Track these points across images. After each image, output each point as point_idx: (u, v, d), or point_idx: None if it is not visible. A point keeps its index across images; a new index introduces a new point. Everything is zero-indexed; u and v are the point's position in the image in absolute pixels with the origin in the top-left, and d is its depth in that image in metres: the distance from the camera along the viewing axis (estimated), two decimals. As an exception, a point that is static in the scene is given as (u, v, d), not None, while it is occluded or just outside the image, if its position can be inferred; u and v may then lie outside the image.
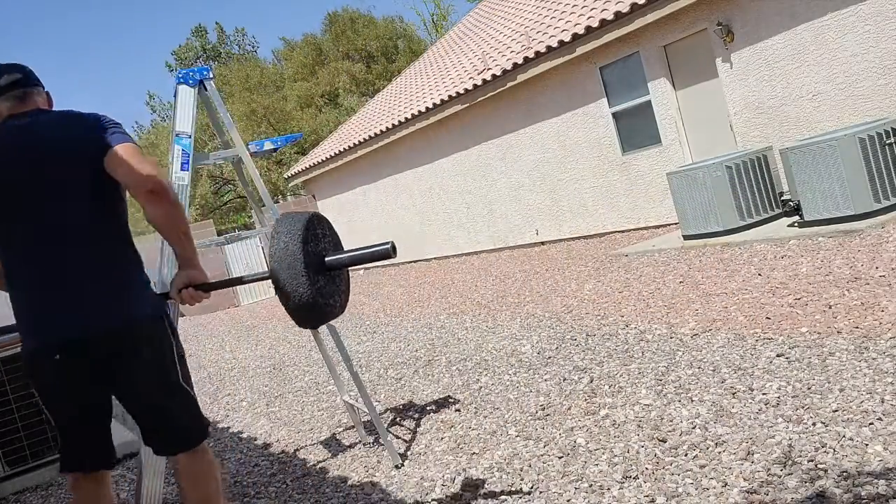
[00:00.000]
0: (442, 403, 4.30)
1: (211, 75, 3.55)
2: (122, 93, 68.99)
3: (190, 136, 3.39)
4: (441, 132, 12.76)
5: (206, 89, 3.53)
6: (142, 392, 2.27)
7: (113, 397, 2.34)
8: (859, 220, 6.05)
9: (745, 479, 2.47)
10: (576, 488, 2.74)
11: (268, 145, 3.86)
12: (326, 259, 2.41)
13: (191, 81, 3.46)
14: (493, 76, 10.70)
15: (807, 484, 2.34)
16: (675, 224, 8.77)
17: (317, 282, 2.32)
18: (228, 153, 3.61)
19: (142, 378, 2.25)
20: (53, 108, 2.49)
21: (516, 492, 2.85)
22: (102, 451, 2.35)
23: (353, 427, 4.27)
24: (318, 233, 2.42)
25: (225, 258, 16.24)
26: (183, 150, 3.33)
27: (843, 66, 7.17)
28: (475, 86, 11.11)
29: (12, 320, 2.38)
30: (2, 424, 4.38)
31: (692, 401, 3.28)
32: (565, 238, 10.90)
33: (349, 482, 3.44)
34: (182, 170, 3.31)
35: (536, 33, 10.77)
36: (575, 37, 9.27)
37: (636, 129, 9.42)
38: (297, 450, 4.18)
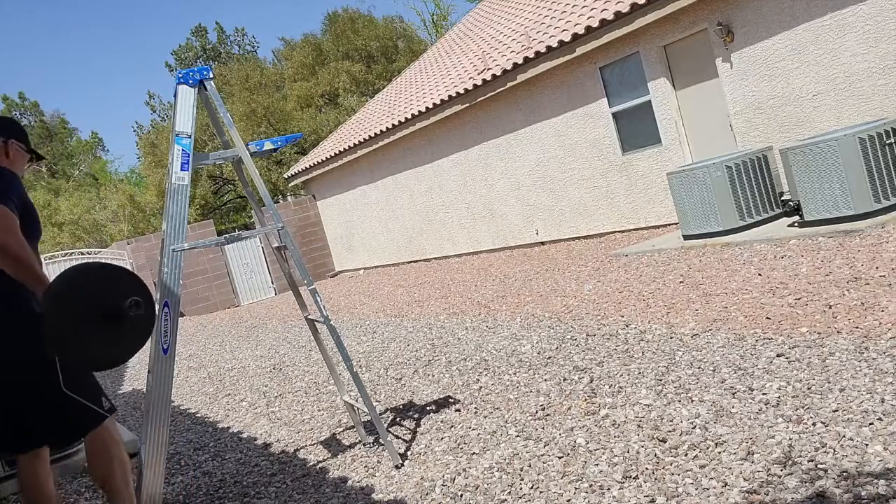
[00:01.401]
0: (442, 403, 4.30)
1: (211, 75, 3.55)
2: (121, 92, 68.97)
3: (190, 136, 3.38)
4: (441, 132, 12.77)
5: (206, 89, 3.53)
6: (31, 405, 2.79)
7: None
8: (859, 220, 6.05)
9: (745, 479, 2.47)
10: (576, 488, 2.74)
11: (268, 145, 3.85)
12: (105, 308, 2.61)
13: (191, 81, 3.46)
14: (493, 76, 10.70)
15: (807, 484, 2.34)
16: (675, 224, 8.78)
17: (87, 332, 2.56)
18: (228, 153, 3.61)
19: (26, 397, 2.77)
20: (6, 157, 2.99)
21: (516, 492, 2.85)
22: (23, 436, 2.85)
23: (353, 427, 4.27)
24: (99, 284, 2.63)
25: (225, 258, 16.24)
26: (183, 150, 3.32)
27: (843, 66, 7.17)
28: (475, 86, 11.11)
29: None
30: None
31: (692, 401, 3.28)
32: (565, 238, 10.91)
33: (349, 482, 3.44)
34: (182, 170, 3.30)
35: (536, 33, 10.77)
36: (575, 37, 9.27)
37: (636, 129, 9.43)
38: (297, 450, 4.18)
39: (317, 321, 3.96)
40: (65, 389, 2.78)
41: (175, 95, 3.46)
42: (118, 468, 2.91)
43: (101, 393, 2.97)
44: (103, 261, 3.05)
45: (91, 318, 2.56)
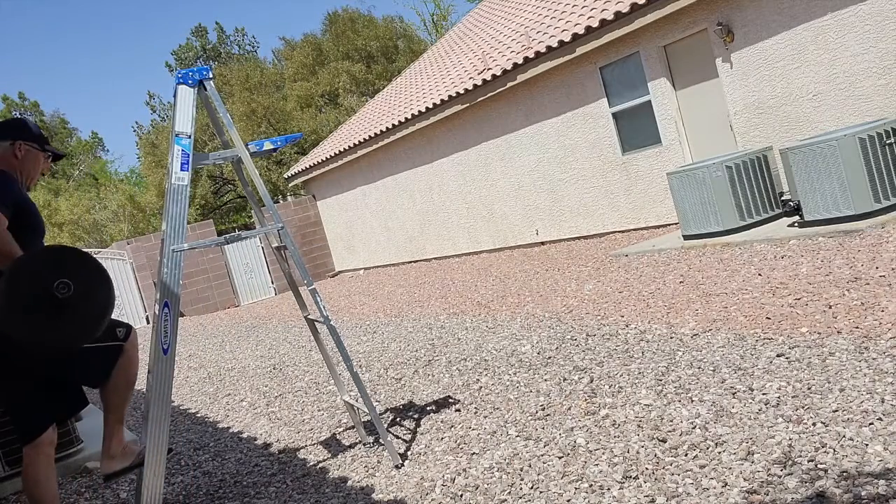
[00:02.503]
0: (442, 403, 4.30)
1: (211, 75, 3.54)
2: (121, 92, 68.95)
3: (190, 137, 3.38)
4: (441, 132, 12.77)
5: (205, 89, 3.52)
6: None
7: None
8: (859, 220, 6.05)
9: (745, 479, 2.47)
10: (576, 488, 2.74)
11: (268, 145, 3.85)
12: (35, 293, 2.66)
13: (190, 81, 3.45)
14: (493, 76, 10.70)
15: (807, 484, 2.35)
16: (675, 224, 8.78)
17: (25, 319, 2.63)
18: (228, 153, 3.61)
19: None
20: (16, 159, 3.09)
21: (516, 492, 2.85)
22: None
23: (353, 427, 4.27)
24: (38, 270, 2.68)
25: (225, 258, 16.24)
26: (183, 150, 3.32)
27: (843, 66, 7.17)
28: (475, 86, 11.11)
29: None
30: (2, 424, 4.38)
31: (692, 401, 3.28)
32: (565, 238, 10.91)
33: (349, 482, 3.44)
34: (182, 170, 3.30)
35: (536, 33, 10.77)
36: (575, 37, 9.27)
37: (636, 129, 9.43)
38: (297, 450, 4.18)
39: (317, 321, 3.96)
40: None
41: (175, 95, 3.46)
42: (120, 395, 3.15)
43: (114, 325, 3.13)
44: (59, 244, 3.20)
45: (22, 303, 2.63)
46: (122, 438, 3.20)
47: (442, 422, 3.96)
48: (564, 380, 4.08)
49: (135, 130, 39.94)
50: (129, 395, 3.21)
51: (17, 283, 2.62)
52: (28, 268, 2.68)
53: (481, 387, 4.40)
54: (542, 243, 11.32)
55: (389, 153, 14.35)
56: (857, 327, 3.67)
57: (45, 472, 2.92)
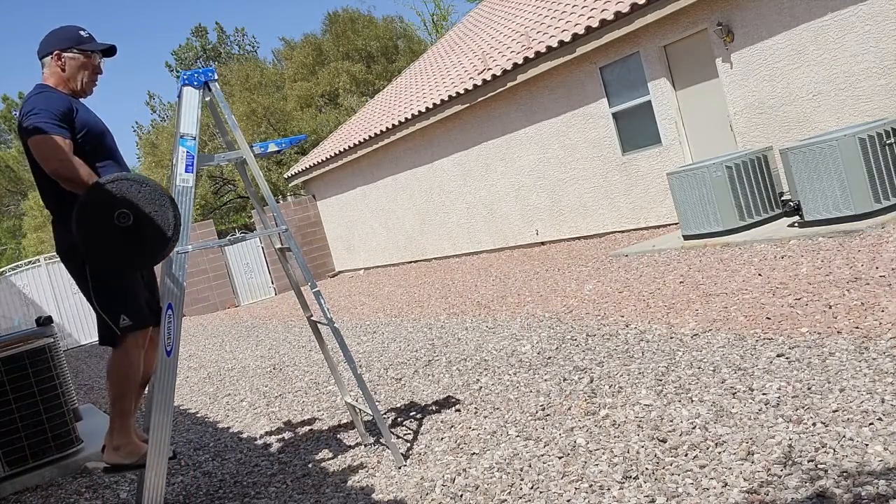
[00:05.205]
0: (442, 403, 4.31)
1: (215, 77, 3.53)
2: (121, 92, 68.92)
3: (195, 138, 3.37)
4: (441, 132, 12.77)
5: (210, 91, 3.52)
6: None
7: None
8: (859, 220, 6.06)
9: (745, 479, 2.48)
10: (576, 488, 2.74)
11: (272, 147, 3.85)
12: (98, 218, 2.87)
13: (196, 83, 3.45)
14: (493, 76, 10.70)
15: (807, 484, 2.35)
16: (675, 224, 8.78)
17: (96, 243, 2.87)
18: (233, 155, 3.61)
19: None
20: (61, 71, 3.11)
21: (516, 492, 2.86)
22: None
23: (354, 427, 4.28)
24: (102, 201, 2.87)
25: (225, 258, 16.24)
26: (188, 151, 3.32)
27: (843, 66, 7.18)
28: (475, 86, 11.11)
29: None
30: (2, 424, 4.38)
31: (692, 401, 3.28)
32: (565, 238, 10.91)
33: (349, 482, 3.44)
34: (187, 171, 3.29)
35: (536, 33, 10.77)
36: (575, 37, 9.27)
37: (636, 130, 9.43)
38: (297, 450, 4.19)
39: (319, 322, 3.96)
40: (93, 298, 3.06)
41: (179, 97, 3.45)
42: (114, 387, 3.14)
43: (124, 311, 3.08)
44: (133, 175, 3.37)
45: (91, 229, 2.83)
46: (128, 432, 3.18)
47: (442, 422, 3.96)
48: (564, 380, 4.08)
49: (135, 130, 39.93)
50: (128, 391, 3.16)
51: (86, 213, 2.82)
52: (94, 198, 2.84)
53: (481, 387, 4.41)
54: (542, 243, 11.33)
55: (389, 153, 14.36)
56: (857, 327, 3.67)
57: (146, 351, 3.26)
